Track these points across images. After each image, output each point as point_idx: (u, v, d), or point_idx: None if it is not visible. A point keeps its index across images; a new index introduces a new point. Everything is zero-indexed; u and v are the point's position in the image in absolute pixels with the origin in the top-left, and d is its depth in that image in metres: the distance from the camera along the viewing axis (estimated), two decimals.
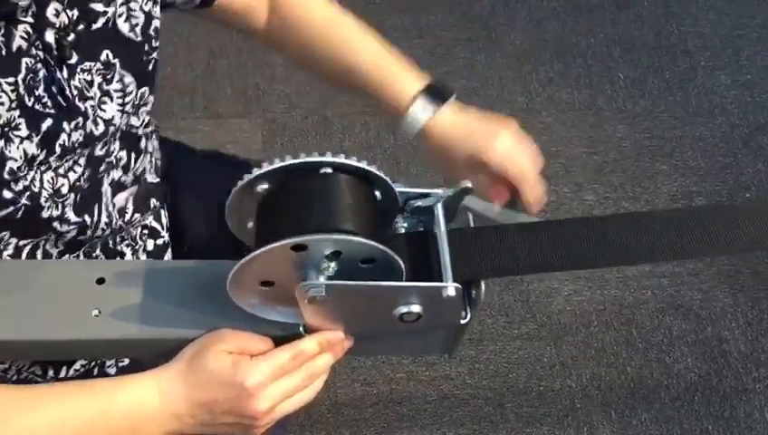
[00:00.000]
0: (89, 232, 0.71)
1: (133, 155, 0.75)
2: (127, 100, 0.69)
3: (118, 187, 0.75)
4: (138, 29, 0.68)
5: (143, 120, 0.74)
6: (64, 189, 0.65)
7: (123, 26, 0.67)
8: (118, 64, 0.67)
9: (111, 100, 0.67)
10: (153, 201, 0.80)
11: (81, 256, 0.74)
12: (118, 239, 0.78)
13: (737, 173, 1.65)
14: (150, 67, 0.71)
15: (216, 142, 1.61)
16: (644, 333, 1.44)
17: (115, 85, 0.67)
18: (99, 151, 0.68)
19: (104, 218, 0.72)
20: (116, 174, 0.74)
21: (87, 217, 0.70)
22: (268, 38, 0.83)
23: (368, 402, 1.34)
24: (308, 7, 0.82)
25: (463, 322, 0.60)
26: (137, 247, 0.80)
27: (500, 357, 1.40)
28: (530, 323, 1.44)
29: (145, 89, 0.71)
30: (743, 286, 1.50)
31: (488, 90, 1.73)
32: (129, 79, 0.68)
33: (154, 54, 0.71)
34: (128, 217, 0.76)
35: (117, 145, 0.72)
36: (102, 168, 0.70)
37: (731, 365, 1.41)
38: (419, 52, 1.78)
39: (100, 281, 0.61)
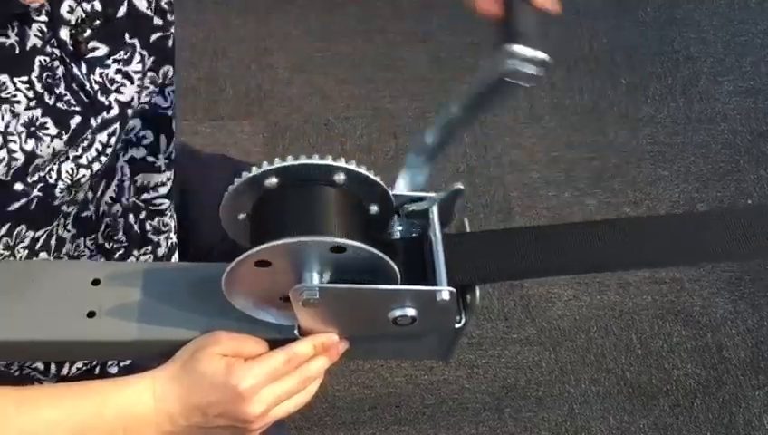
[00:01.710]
0: (91, 207, 0.70)
1: (163, 137, 0.74)
2: (146, 81, 0.69)
3: (144, 166, 0.74)
4: (153, 5, 0.67)
5: (171, 102, 0.74)
6: (84, 180, 0.65)
7: (141, 3, 0.66)
8: (137, 44, 0.67)
9: (132, 82, 0.67)
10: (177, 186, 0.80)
11: (101, 239, 0.74)
12: (141, 222, 0.77)
13: (739, 180, 1.64)
14: (170, 44, 0.70)
15: (218, 144, 1.62)
16: (644, 338, 1.44)
17: (135, 66, 0.67)
18: (124, 136, 0.68)
19: (110, 193, 0.71)
20: (137, 153, 0.73)
21: (90, 193, 0.69)
22: None
23: (366, 406, 1.34)
24: None
25: (458, 326, 0.60)
26: (158, 240, 0.79)
27: (499, 362, 1.40)
28: (529, 327, 1.44)
29: (168, 67, 0.71)
30: (743, 293, 1.49)
31: None
32: (149, 58, 0.68)
33: (171, 29, 0.70)
34: (149, 196, 0.76)
35: (138, 123, 0.71)
36: (119, 145, 0.70)
37: (731, 372, 1.40)
38: (423, 57, 1.78)
39: (96, 282, 0.62)
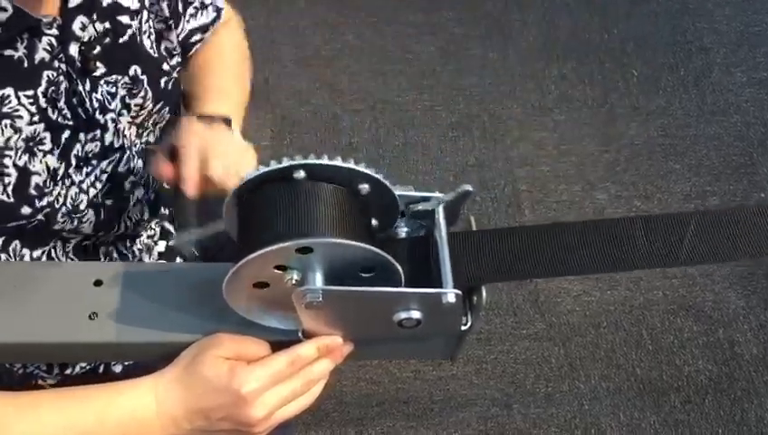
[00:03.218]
0: (92, 239, 0.71)
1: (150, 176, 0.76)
2: (140, 113, 0.69)
3: (137, 202, 0.76)
4: (155, 46, 0.69)
5: (156, 138, 0.75)
6: (82, 205, 0.66)
7: (146, 42, 0.67)
8: (145, 81, 0.68)
9: (129, 112, 0.68)
10: (162, 209, 0.81)
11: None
12: (128, 243, 0.78)
13: (752, 173, 1.62)
14: (168, 85, 0.71)
15: None
16: (654, 334, 1.42)
17: (137, 100, 0.68)
18: (122, 168, 0.69)
19: (120, 229, 0.73)
20: (140, 192, 0.74)
21: (102, 232, 0.71)
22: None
23: (374, 401, 1.33)
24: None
25: (464, 328, 0.59)
26: (151, 246, 0.80)
27: (508, 357, 1.39)
28: (539, 323, 1.43)
29: (161, 105, 0.71)
30: (756, 288, 1.47)
31: (500, 86, 1.72)
32: (149, 95, 0.69)
33: (173, 74, 0.72)
34: (137, 219, 0.77)
35: (140, 163, 0.72)
36: (127, 187, 0.71)
37: (742, 368, 1.39)
38: (432, 49, 1.77)
39: (98, 283, 0.61)
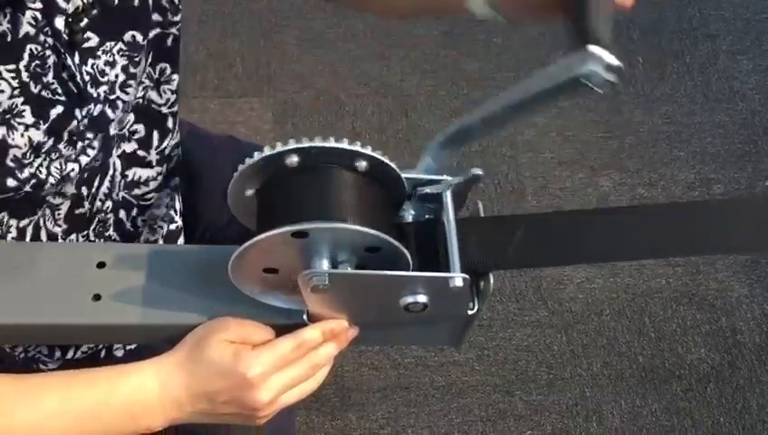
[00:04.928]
0: (86, 204, 0.69)
1: (156, 133, 0.73)
2: (142, 74, 0.67)
3: (134, 160, 0.73)
4: (150, 1, 0.66)
5: (167, 100, 0.72)
6: (73, 174, 0.64)
7: (141, 3, 0.64)
8: (138, 37, 0.65)
9: (136, 80, 0.66)
10: (176, 180, 0.79)
11: (92, 236, 0.73)
12: (132, 218, 0.76)
13: (756, 161, 1.61)
14: (169, 42, 0.69)
15: (226, 121, 1.60)
16: (657, 322, 1.42)
17: (141, 67, 0.66)
18: (113, 131, 0.67)
19: (103, 189, 0.70)
20: (128, 147, 0.72)
21: (84, 189, 0.68)
22: None
23: (375, 387, 1.33)
24: None
25: (470, 313, 0.59)
26: (155, 227, 0.78)
27: (509, 344, 1.39)
28: (541, 310, 1.42)
29: (164, 65, 0.69)
30: (759, 277, 1.47)
31: (504, 72, 1.71)
32: (147, 53, 0.67)
33: (173, 30, 0.69)
34: (140, 191, 0.75)
35: (131, 117, 0.70)
36: (113, 141, 0.69)
37: (745, 357, 1.39)
38: (435, 33, 1.75)
39: (101, 265, 0.60)
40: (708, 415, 1.33)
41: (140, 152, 0.73)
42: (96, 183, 0.69)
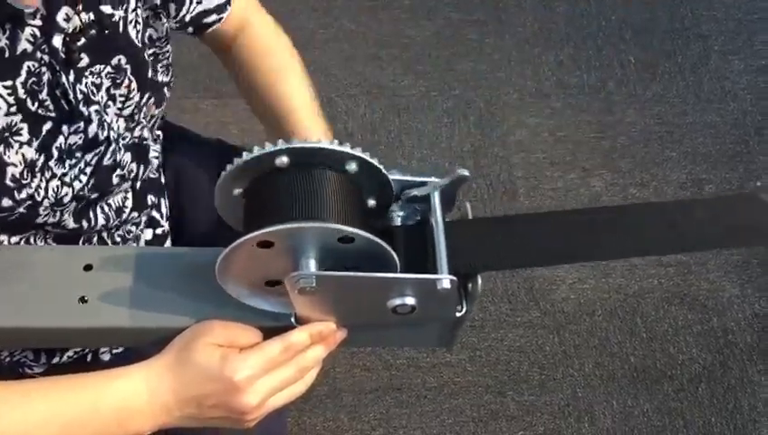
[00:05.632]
0: (83, 235, 0.70)
1: (142, 167, 0.75)
2: (127, 105, 0.68)
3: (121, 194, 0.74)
4: (140, 35, 0.67)
5: (155, 135, 0.74)
6: (66, 199, 0.65)
7: (132, 32, 0.66)
8: (129, 70, 0.67)
9: (114, 103, 0.67)
10: (150, 197, 0.80)
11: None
12: (110, 235, 0.77)
13: (748, 161, 1.62)
14: (156, 76, 0.70)
15: (219, 122, 1.59)
16: (649, 322, 1.42)
17: (122, 90, 0.67)
18: (107, 161, 0.67)
19: (101, 221, 0.71)
20: (126, 185, 0.73)
21: (84, 223, 0.69)
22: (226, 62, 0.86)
23: (367, 388, 1.33)
24: (264, 48, 0.85)
25: (459, 315, 0.58)
26: (138, 235, 0.79)
27: (502, 345, 1.39)
28: (533, 310, 1.42)
29: (147, 96, 0.70)
30: (750, 277, 1.47)
31: (497, 72, 1.71)
32: (134, 85, 0.68)
33: (159, 63, 0.71)
34: (125, 215, 0.75)
35: (128, 156, 0.71)
36: (115, 181, 0.69)
37: (736, 357, 1.39)
38: (427, 33, 1.75)
39: (88, 267, 0.60)
40: (700, 415, 1.33)
41: (124, 185, 0.74)
42: (93, 217, 0.71)
